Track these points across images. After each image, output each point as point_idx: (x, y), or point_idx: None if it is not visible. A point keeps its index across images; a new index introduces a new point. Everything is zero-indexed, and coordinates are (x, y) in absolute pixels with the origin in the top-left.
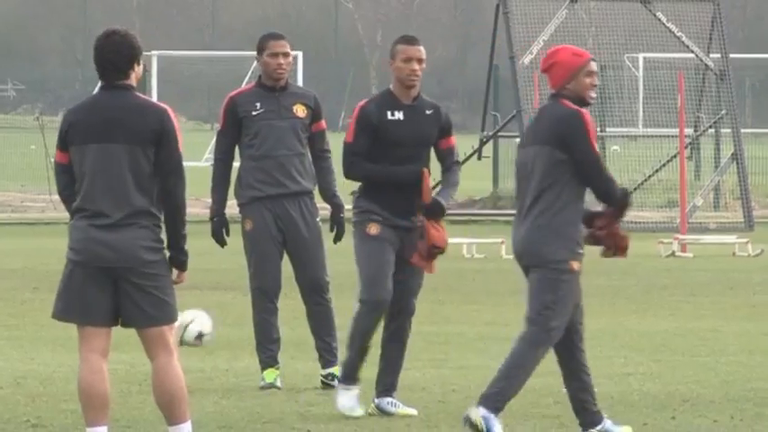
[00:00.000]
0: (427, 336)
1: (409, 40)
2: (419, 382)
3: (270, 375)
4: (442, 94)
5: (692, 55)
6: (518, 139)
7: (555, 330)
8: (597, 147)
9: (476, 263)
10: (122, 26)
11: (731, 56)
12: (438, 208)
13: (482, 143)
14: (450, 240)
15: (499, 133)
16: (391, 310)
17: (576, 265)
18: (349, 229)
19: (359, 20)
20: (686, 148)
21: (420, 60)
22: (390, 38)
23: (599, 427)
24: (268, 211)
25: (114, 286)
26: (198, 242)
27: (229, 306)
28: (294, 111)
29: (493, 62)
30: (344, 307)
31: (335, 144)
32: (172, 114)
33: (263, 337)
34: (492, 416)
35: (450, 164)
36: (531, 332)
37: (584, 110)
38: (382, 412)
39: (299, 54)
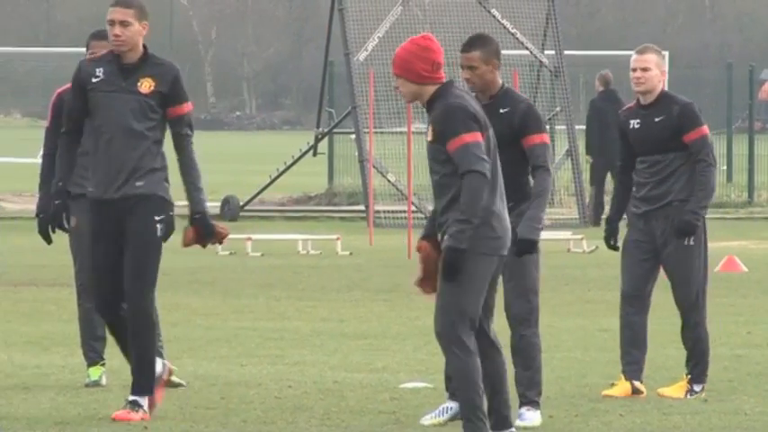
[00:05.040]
0: (263, 332)
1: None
2: (255, 379)
3: (95, 373)
4: (278, 90)
5: (526, 52)
6: (353, 136)
7: None
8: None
9: (311, 259)
10: None
11: (565, 53)
12: None
13: (317, 140)
14: (286, 236)
15: (334, 130)
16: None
17: None
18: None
19: (194, 16)
20: None
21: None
22: (225, 34)
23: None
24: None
25: None
26: (33, 238)
27: (65, 302)
28: None
29: (328, 58)
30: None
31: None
32: None
33: (87, 334)
34: None
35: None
36: None
37: None
38: None
39: None
